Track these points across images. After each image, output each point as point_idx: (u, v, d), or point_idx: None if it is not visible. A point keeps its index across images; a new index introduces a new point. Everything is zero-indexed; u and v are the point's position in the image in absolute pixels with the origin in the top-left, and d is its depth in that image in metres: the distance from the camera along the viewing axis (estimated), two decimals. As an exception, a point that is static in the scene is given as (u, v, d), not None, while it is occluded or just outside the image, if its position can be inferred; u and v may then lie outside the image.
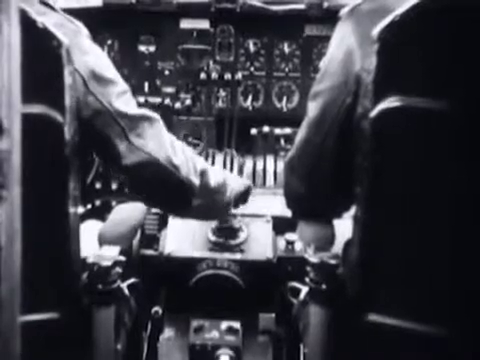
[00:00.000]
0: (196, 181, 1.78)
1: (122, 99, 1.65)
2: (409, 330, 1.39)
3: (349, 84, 1.49)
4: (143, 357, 2.22)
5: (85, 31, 1.66)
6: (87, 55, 1.60)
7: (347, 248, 1.78)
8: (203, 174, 1.81)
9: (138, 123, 1.67)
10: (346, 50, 1.52)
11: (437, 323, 1.36)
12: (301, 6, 2.69)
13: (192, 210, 1.85)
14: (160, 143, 1.70)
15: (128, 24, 2.78)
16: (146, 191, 1.82)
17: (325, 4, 2.66)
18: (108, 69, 1.67)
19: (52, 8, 1.64)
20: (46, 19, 1.47)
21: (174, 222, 2.32)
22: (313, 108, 1.64)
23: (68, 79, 1.40)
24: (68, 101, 1.41)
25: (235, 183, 2.07)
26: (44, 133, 1.37)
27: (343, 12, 1.58)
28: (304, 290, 1.73)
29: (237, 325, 2.03)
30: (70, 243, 1.51)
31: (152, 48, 2.83)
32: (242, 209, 2.42)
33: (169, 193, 1.79)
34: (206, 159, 2.69)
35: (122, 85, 1.68)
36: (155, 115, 1.73)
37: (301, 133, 1.70)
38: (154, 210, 2.47)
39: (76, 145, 1.47)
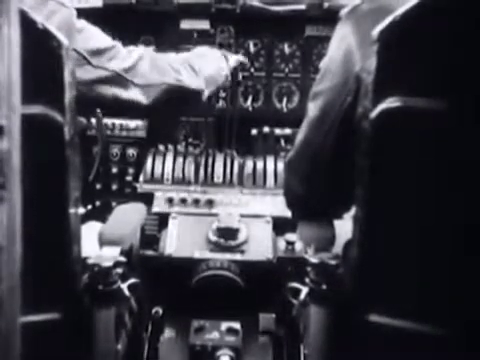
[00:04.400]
0: (202, 84, 2.19)
1: (119, 57, 1.94)
2: (409, 330, 1.39)
3: (349, 84, 1.49)
4: (143, 357, 2.21)
5: (74, 11, 1.84)
6: (83, 33, 1.83)
7: (347, 248, 1.78)
8: (200, 71, 2.20)
9: (137, 67, 1.98)
10: (346, 50, 1.52)
11: (437, 323, 1.36)
12: (301, 6, 2.70)
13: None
14: (162, 70, 2.04)
15: (128, 24, 2.78)
16: (167, 112, 2.33)
17: (325, 4, 2.66)
18: (102, 39, 1.93)
19: None
20: (41, 9, 1.60)
21: (174, 223, 2.32)
22: (313, 108, 1.64)
23: (68, 79, 1.40)
24: (68, 101, 1.41)
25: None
26: (44, 133, 1.37)
27: (343, 12, 1.59)
28: (304, 290, 1.73)
29: (237, 326, 2.03)
30: (70, 243, 1.50)
31: (152, 48, 2.83)
32: (242, 209, 2.43)
33: (185, 102, 2.25)
34: (206, 159, 2.70)
35: (116, 46, 1.96)
36: (140, 49, 2.07)
37: (301, 133, 1.71)
38: (155, 210, 2.47)
39: (76, 145, 1.47)
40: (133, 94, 1.96)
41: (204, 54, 2.38)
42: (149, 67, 2.01)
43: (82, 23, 1.87)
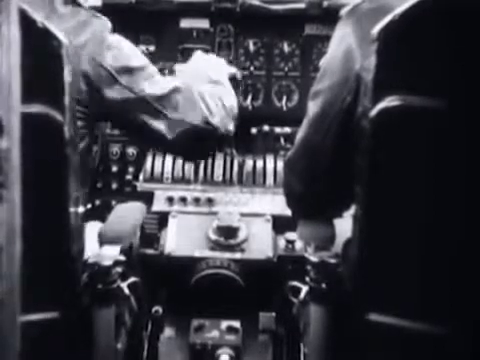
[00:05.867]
0: (231, 124, 2.03)
1: (152, 82, 1.79)
2: (409, 329, 1.39)
3: (349, 82, 1.49)
4: (143, 356, 2.22)
5: (109, 24, 1.77)
6: (114, 49, 1.73)
7: (347, 247, 1.78)
8: (228, 107, 2.02)
9: (171, 98, 1.83)
10: (346, 49, 1.52)
11: (437, 322, 1.36)
12: (301, 5, 2.69)
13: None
14: (195, 108, 1.88)
15: (128, 24, 2.77)
16: (185, 153, 2.08)
17: (325, 3, 2.66)
18: (134, 57, 1.80)
19: (79, 5, 1.68)
20: (73, 19, 1.54)
21: (174, 221, 2.32)
22: (313, 107, 1.64)
23: (68, 78, 1.40)
24: (68, 100, 1.41)
25: (228, 85, 2.17)
26: (44, 132, 1.37)
27: (343, 11, 1.59)
28: (304, 289, 1.73)
29: (237, 324, 2.03)
30: (71, 243, 1.50)
31: (152, 47, 2.83)
32: (242, 208, 2.43)
33: (206, 146, 2.05)
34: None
35: (149, 68, 1.82)
36: (180, 83, 1.88)
37: (301, 132, 1.71)
38: (154, 209, 2.47)
39: (76, 144, 1.47)
40: (161, 126, 1.84)
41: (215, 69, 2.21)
42: (183, 101, 1.87)
43: (115, 38, 1.78)
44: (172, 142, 1.88)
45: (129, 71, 1.75)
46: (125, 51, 1.77)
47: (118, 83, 1.72)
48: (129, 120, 1.82)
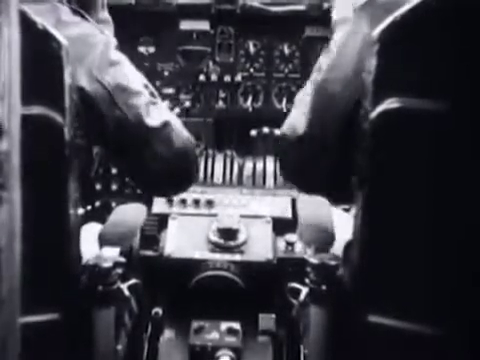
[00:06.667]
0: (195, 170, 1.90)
1: (146, 110, 1.68)
2: (409, 331, 1.39)
3: (359, 78, 1.47)
4: (143, 358, 2.22)
5: (114, 41, 1.72)
6: (114, 66, 1.65)
7: (347, 249, 1.78)
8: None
9: (161, 132, 1.71)
10: (363, 39, 1.50)
11: (437, 324, 1.36)
12: (301, 7, 2.70)
13: None
14: (182, 145, 1.76)
15: (128, 25, 2.77)
16: (158, 188, 1.94)
17: (325, 5, 2.66)
18: (134, 80, 1.70)
19: (83, 17, 1.66)
20: (76, 29, 1.52)
21: (174, 223, 2.32)
22: (316, 94, 1.61)
23: (68, 80, 1.40)
24: (68, 102, 1.41)
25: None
26: (44, 134, 1.37)
27: (357, 5, 1.58)
28: (304, 291, 1.73)
29: (237, 326, 2.03)
30: (70, 244, 1.50)
31: (152, 49, 2.83)
32: (242, 210, 2.43)
33: (178, 184, 1.89)
34: (206, 160, 2.70)
35: (146, 96, 1.71)
36: (172, 117, 1.78)
37: (294, 118, 1.69)
38: (154, 211, 2.47)
39: (76, 146, 1.47)
40: (143, 155, 1.73)
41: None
42: (175, 139, 1.75)
43: (118, 56, 1.70)
44: (148, 175, 1.80)
45: (123, 91, 1.66)
46: (124, 71, 1.70)
47: (114, 101, 1.65)
48: (112, 140, 1.72)
